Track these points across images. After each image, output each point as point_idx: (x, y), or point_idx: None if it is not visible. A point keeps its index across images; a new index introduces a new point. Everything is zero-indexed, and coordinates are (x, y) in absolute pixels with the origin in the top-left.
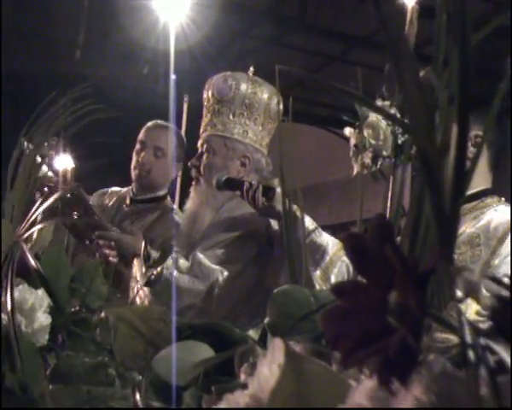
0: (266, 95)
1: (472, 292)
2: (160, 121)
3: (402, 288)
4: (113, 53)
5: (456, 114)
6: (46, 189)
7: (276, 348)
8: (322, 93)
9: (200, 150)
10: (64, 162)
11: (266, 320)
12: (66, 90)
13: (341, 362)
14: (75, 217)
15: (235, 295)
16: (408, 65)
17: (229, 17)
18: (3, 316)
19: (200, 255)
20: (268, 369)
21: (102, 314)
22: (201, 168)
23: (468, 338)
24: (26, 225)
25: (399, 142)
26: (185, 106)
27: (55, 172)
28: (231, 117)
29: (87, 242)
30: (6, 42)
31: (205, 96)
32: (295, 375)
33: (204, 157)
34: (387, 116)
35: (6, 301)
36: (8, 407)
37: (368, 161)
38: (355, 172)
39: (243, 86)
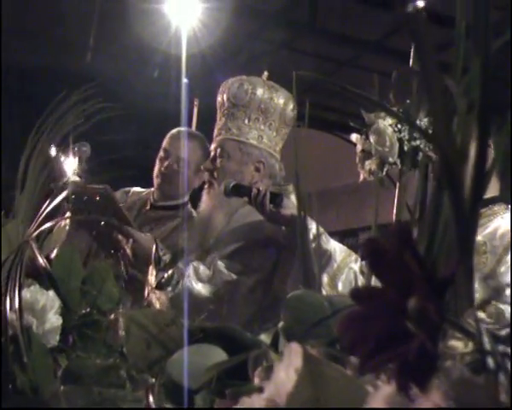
0: (282, 100)
1: (496, 297)
2: (183, 129)
3: (421, 293)
4: (124, 56)
5: (475, 120)
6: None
7: (293, 352)
8: (331, 98)
9: (213, 154)
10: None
11: (280, 325)
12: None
13: (359, 368)
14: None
15: (254, 304)
16: (433, 73)
17: (240, 21)
18: (12, 316)
19: (221, 264)
20: (285, 373)
21: (112, 316)
22: (215, 172)
23: (487, 345)
24: (36, 225)
25: (405, 148)
26: (195, 110)
27: (64, 174)
28: (246, 122)
29: (112, 251)
30: (15, 41)
31: (219, 99)
32: (313, 379)
33: (218, 161)
34: (404, 121)
35: (13, 302)
36: (19, 407)
37: (374, 167)
38: (361, 178)
39: (259, 91)
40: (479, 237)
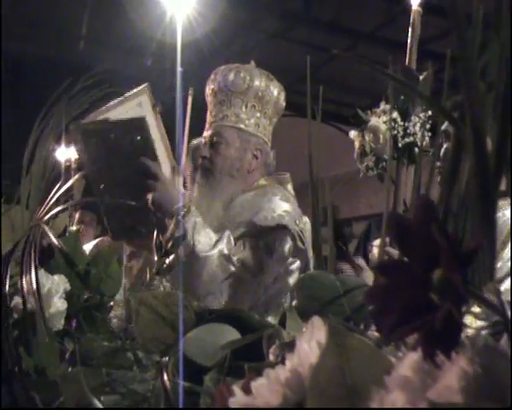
0: (276, 90)
1: None
2: None
3: (447, 265)
4: (118, 45)
5: (494, 99)
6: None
7: (316, 325)
8: (325, 88)
9: (208, 140)
10: (66, 154)
11: (293, 303)
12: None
13: (385, 336)
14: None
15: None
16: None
17: (234, 10)
18: (17, 300)
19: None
20: (307, 345)
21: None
22: (214, 159)
23: (509, 314)
24: (46, 208)
25: (400, 145)
26: (190, 99)
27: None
28: (244, 109)
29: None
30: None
31: (212, 86)
32: (337, 349)
33: (216, 147)
34: (430, 103)
35: (24, 285)
36: (25, 388)
37: (371, 164)
38: (361, 174)
39: (257, 79)
40: None
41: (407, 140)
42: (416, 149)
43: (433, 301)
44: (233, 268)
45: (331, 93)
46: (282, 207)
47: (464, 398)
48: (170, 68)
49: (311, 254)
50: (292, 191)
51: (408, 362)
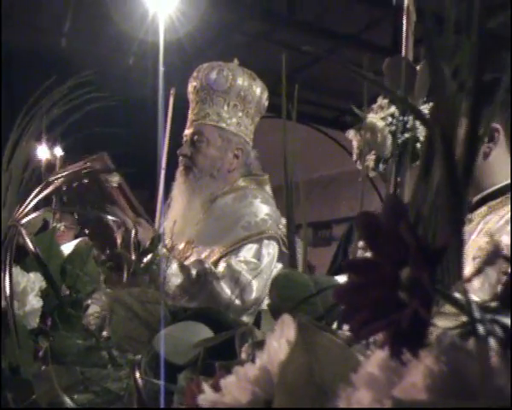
0: (259, 89)
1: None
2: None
3: (415, 264)
4: (101, 43)
5: (465, 100)
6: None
7: (286, 323)
8: (307, 90)
9: (189, 139)
10: (46, 152)
11: (266, 303)
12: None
13: (354, 334)
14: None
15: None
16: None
17: (218, 11)
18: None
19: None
20: (277, 343)
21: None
22: (195, 158)
23: (477, 313)
24: (25, 211)
25: (399, 141)
26: (171, 98)
27: (39, 162)
28: (226, 108)
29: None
30: None
31: (194, 84)
32: (306, 347)
33: (197, 146)
34: (400, 102)
35: (4, 286)
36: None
37: (372, 163)
38: (362, 175)
39: (240, 78)
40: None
41: (407, 135)
42: (418, 145)
43: (401, 300)
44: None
45: (313, 95)
46: (263, 210)
47: (429, 396)
48: (152, 68)
49: None
50: (270, 192)
51: (375, 360)
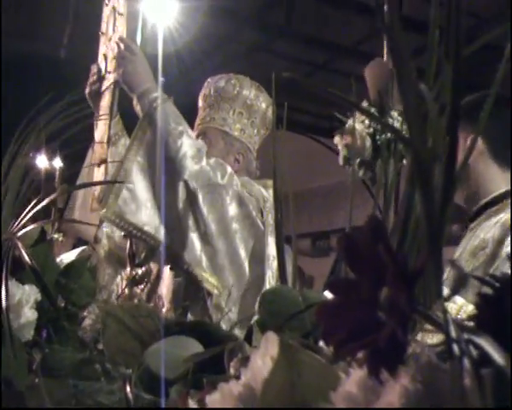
0: (264, 103)
1: (461, 287)
2: None
3: (392, 285)
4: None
5: (446, 123)
6: None
7: (270, 340)
8: (305, 100)
9: None
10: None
11: (255, 318)
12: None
13: (333, 353)
14: None
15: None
16: (408, 77)
17: (216, 22)
18: None
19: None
20: (261, 360)
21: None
22: None
23: (453, 333)
24: (21, 223)
25: (378, 143)
26: None
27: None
28: (231, 114)
29: None
30: None
31: (204, 92)
32: (288, 364)
33: None
34: (376, 120)
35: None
36: None
37: (356, 167)
38: (350, 180)
39: (247, 88)
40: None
41: (384, 136)
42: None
43: (380, 320)
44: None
45: (311, 106)
46: (260, 191)
47: None
48: None
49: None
50: (271, 198)
51: (354, 379)
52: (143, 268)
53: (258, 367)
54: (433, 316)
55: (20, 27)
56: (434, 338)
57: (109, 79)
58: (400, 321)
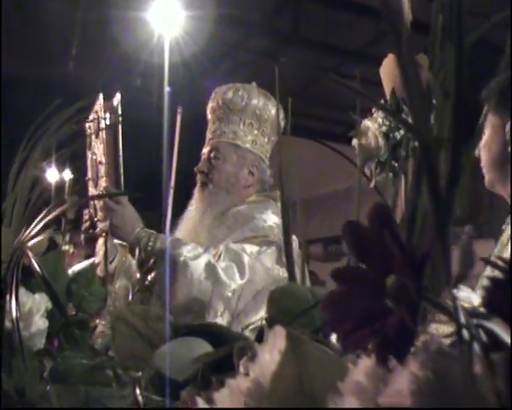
0: (273, 110)
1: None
2: None
3: (400, 272)
4: (107, 65)
5: (450, 110)
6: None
7: (277, 334)
8: (315, 106)
9: (207, 156)
10: (56, 175)
11: (264, 316)
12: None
13: (341, 343)
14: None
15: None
16: (411, 61)
17: (223, 30)
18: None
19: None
20: (269, 355)
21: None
22: (211, 174)
23: (462, 318)
24: (31, 233)
25: (393, 141)
26: (178, 118)
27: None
28: (241, 126)
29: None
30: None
31: (212, 104)
32: (296, 357)
33: (213, 162)
34: (393, 117)
35: (10, 307)
36: (5, 408)
37: (373, 168)
38: (372, 183)
39: (255, 98)
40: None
41: (397, 134)
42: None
43: (388, 308)
44: (221, 277)
45: (320, 111)
46: (273, 219)
47: (413, 401)
48: (158, 88)
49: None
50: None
51: (362, 368)
52: (153, 274)
53: (266, 362)
54: (442, 303)
55: (25, 47)
56: (447, 329)
57: (100, 227)
58: (409, 307)
